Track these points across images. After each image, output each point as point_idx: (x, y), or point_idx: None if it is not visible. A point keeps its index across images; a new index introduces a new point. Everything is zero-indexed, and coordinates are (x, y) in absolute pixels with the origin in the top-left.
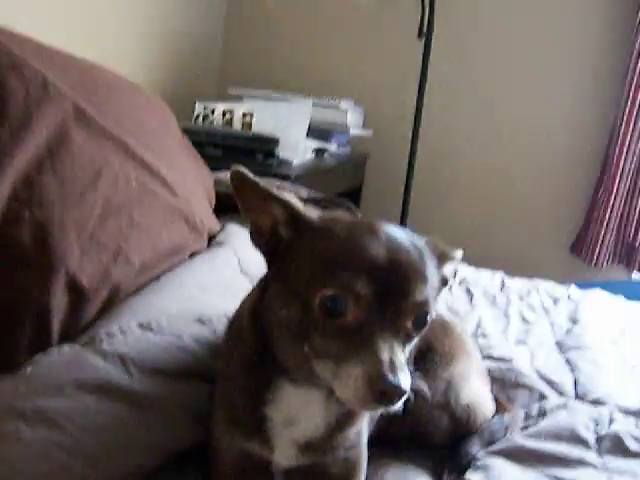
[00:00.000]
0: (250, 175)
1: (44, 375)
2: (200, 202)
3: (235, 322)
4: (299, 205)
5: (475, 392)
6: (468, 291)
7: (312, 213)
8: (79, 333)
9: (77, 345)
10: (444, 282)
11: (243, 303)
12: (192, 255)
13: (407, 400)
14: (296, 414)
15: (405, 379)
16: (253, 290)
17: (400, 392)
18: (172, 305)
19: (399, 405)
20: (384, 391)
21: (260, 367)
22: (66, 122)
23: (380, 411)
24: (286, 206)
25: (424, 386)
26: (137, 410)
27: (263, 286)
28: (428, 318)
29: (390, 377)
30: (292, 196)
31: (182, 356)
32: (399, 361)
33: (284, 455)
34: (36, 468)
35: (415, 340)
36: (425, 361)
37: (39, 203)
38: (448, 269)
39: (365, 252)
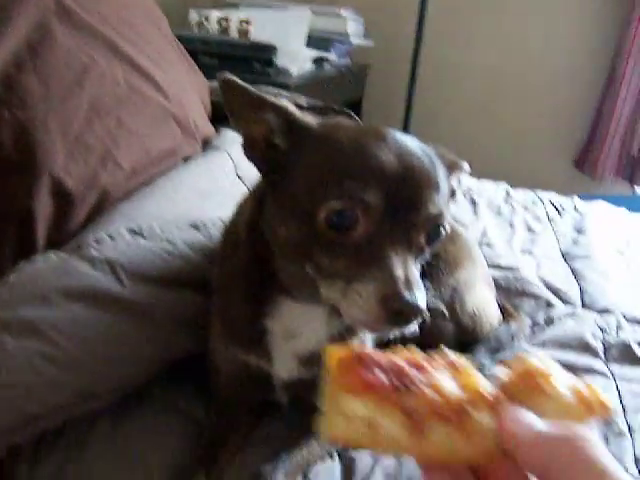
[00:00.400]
0: (240, 82)
1: (29, 283)
2: (194, 106)
3: (231, 232)
4: (295, 111)
5: (481, 299)
6: (473, 201)
7: (310, 119)
8: (66, 241)
9: (64, 252)
10: (452, 193)
11: (239, 210)
12: (186, 159)
13: (423, 321)
14: (297, 328)
15: (422, 297)
16: (248, 199)
17: (417, 311)
18: (165, 210)
19: (414, 326)
20: (400, 310)
21: (258, 282)
22: (47, 17)
23: (393, 333)
24: (281, 112)
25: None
26: (127, 319)
27: (260, 198)
28: (442, 231)
29: (406, 295)
30: (288, 102)
31: (175, 263)
32: (414, 277)
33: (284, 368)
34: (21, 380)
35: (427, 255)
36: (430, 267)
37: (20, 104)
38: (455, 179)
39: (374, 159)
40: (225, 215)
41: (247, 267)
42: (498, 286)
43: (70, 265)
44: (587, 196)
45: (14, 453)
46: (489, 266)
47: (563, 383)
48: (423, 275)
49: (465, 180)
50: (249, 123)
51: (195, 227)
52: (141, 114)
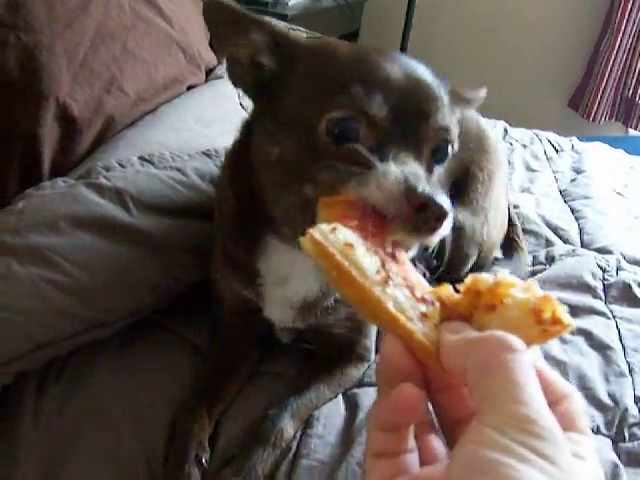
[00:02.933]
0: (224, 1)
1: (37, 210)
2: (197, 34)
3: (220, 176)
4: (282, 27)
5: (500, 224)
6: None
7: (299, 34)
8: (72, 167)
9: (71, 179)
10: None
11: (224, 161)
12: (190, 88)
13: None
14: (287, 274)
15: (447, 201)
16: (226, 154)
17: (443, 212)
18: (171, 138)
19: (441, 233)
20: (425, 203)
21: (246, 223)
22: None
23: (416, 242)
24: (266, 29)
25: (466, 220)
26: (135, 247)
27: (245, 131)
28: (449, 150)
29: (430, 191)
30: (273, 20)
31: (184, 191)
32: (433, 182)
33: (276, 315)
34: (29, 306)
35: (434, 176)
36: (467, 190)
37: (26, 27)
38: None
39: (378, 69)
40: (229, 142)
41: (235, 207)
42: None
43: (79, 193)
44: (583, 138)
45: (21, 381)
46: None
47: (513, 298)
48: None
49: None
50: (232, 44)
51: (207, 155)
52: (146, 41)
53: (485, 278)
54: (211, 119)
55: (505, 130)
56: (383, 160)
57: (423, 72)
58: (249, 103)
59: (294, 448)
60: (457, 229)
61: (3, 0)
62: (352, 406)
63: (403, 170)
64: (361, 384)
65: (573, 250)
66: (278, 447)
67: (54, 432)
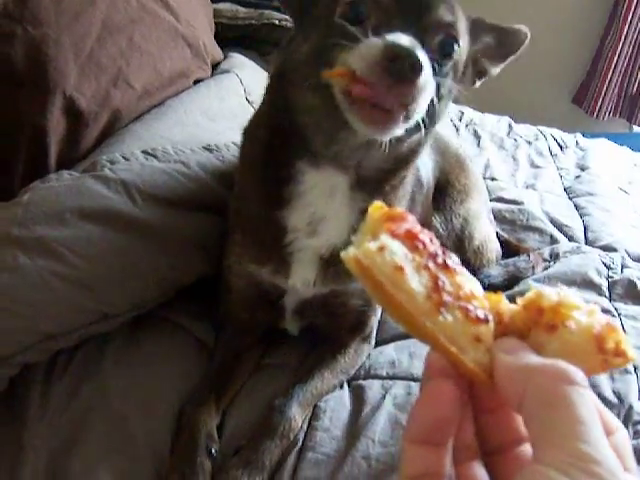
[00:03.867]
0: None
1: (43, 202)
2: (203, 28)
3: (250, 127)
4: None
5: (485, 233)
6: (475, 133)
7: None
8: (78, 161)
9: (77, 172)
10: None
11: (256, 110)
12: (196, 82)
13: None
14: (320, 211)
15: (424, 57)
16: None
17: (416, 61)
18: (177, 132)
19: (421, 87)
20: (399, 54)
21: (278, 159)
22: None
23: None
24: None
25: (440, 223)
26: (141, 240)
27: (282, 60)
28: (455, 47)
29: (408, 45)
30: None
31: (189, 185)
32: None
33: (301, 279)
34: (35, 298)
35: (438, 74)
36: (443, 195)
37: (33, 20)
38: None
39: None
40: (235, 136)
41: (267, 141)
42: (503, 219)
43: (84, 185)
44: (587, 134)
45: (27, 373)
46: (494, 199)
47: (577, 322)
48: (435, 202)
49: (467, 112)
50: None
51: (208, 149)
52: (152, 34)
53: (549, 295)
54: (217, 114)
55: (510, 126)
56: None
57: None
58: (255, 98)
59: (301, 441)
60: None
61: None
62: (358, 399)
63: (385, 37)
64: (367, 376)
65: (578, 247)
66: (286, 437)
67: (61, 424)
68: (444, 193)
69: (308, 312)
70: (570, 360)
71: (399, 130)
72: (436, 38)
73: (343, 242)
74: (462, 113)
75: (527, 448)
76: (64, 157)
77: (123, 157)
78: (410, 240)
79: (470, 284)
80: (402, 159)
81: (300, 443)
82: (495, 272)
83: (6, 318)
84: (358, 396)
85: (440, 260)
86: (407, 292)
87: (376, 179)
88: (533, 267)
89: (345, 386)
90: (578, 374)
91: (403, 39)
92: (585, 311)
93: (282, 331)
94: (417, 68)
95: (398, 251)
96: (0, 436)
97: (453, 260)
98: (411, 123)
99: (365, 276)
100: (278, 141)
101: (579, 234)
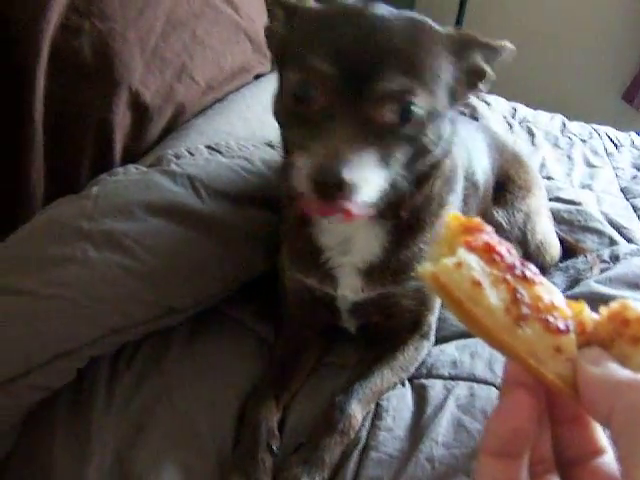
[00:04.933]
0: None
1: (111, 196)
2: (263, 22)
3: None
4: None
5: (546, 230)
6: (530, 131)
7: (311, 2)
8: (142, 155)
9: (143, 166)
10: (476, 74)
11: None
12: (257, 77)
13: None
14: (348, 233)
15: (352, 170)
16: None
17: (339, 183)
18: (239, 128)
19: (353, 200)
20: (322, 181)
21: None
22: None
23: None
24: (281, 3)
25: (502, 218)
26: (206, 235)
27: None
28: (414, 111)
29: (331, 166)
30: None
31: (253, 180)
32: (352, 151)
33: (349, 287)
34: (103, 292)
35: (403, 137)
36: (504, 191)
37: (100, 15)
38: (480, 58)
39: (333, 31)
40: None
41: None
42: (561, 219)
43: (152, 179)
44: (639, 131)
45: (93, 366)
46: (551, 199)
47: None
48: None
49: (519, 109)
50: (270, 19)
51: (270, 146)
52: (215, 29)
53: (634, 306)
54: None
55: (563, 124)
56: (325, 123)
57: (382, 30)
58: None
59: (363, 440)
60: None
61: None
62: (420, 399)
63: (320, 147)
64: (429, 375)
65: (638, 249)
66: (347, 435)
67: (127, 417)
68: (505, 189)
69: (363, 312)
70: None
71: (365, 210)
72: (387, 108)
73: (377, 258)
74: (515, 110)
75: (606, 461)
76: (129, 151)
77: (188, 152)
78: (487, 253)
79: (550, 294)
80: (420, 179)
81: (363, 442)
82: (559, 280)
83: (74, 311)
84: (421, 396)
85: (518, 272)
86: (485, 307)
87: (399, 202)
88: (591, 268)
89: (407, 385)
90: None
91: (329, 154)
92: None
93: (341, 329)
94: (344, 188)
95: (475, 266)
96: (67, 428)
97: (532, 270)
98: (373, 199)
99: (443, 292)
100: None
101: (638, 235)
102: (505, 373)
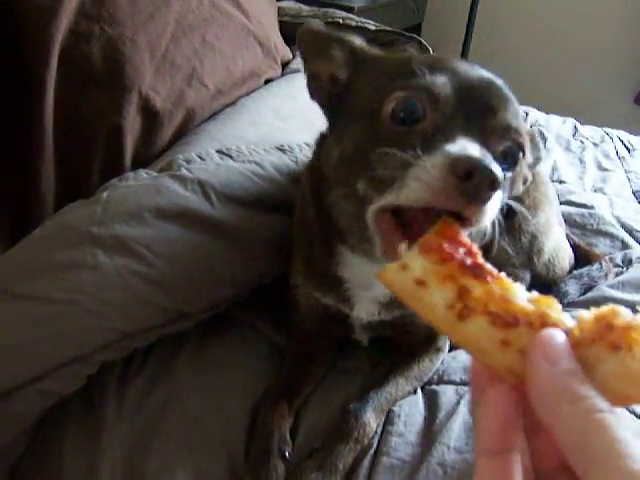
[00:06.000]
0: (315, 26)
1: (122, 201)
2: (273, 27)
3: (303, 181)
4: (362, 43)
5: (556, 245)
6: (541, 134)
7: (377, 51)
8: (153, 160)
9: (154, 171)
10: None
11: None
12: (267, 82)
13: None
14: (369, 280)
15: (498, 168)
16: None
17: (492, 176)
18: (250, 132)
19: (490, 208)
20: (471, 171)
21: (324, 234)
22: None
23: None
24: (346, 45)
25: (508, 245)
26: (217, 240)
27: (320, 144)
28: (520, 156)
29: (480, 158)
30: (354, 37)
31: (263, 185)
32: (490, 157)
33: (365, 311)
34: (113, 297)
35: (505, 180)
36: (512, 215)
37: (110, 20)
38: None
39: (446, 63)
40: (306, 136)
41: (314, 219)
42: (573, 222)
43: (162, 184)
44: None
45: (104, 372)
46: (563, 202)
47: None
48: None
49: (531, 112)
50: (316, 60)
51: (281, 150)
52: (225, 33)
53: (623, 314)
54: (288, 114)
55: (575, 127)
56: (437, 147)
57: (497, 79)
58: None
59: (375, 445)
60: (499, 253)
61: None
62: (432, 404)
63: (449, 150)
64: (440, 381)
65: None
66: (360, 442)
67: (138, 422)
68: (513, 211)
69: (376, 328)
70: (622, 385)
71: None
72: (501, 145)
73: None
74: (527, 114)
75: None
76: (139, 155)
77: (199, 157)
78: (438, 254)
79: (503, 290)
80: None
81: (375, 447)
82: (572, 289)
83: (85, 316)
84: (432, 401)
85: (469, 269)
86: (427, 304)
87: None
88: (606, 275)
89: (419, 391)
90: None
91: (472, 149)
92: None
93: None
94: (495, 186)
95: (418, 267)
96: (78, 433)
97: (484, 269)
98: (483, 228)
99: (392, 290)
100: (322, 225)
101: None
102: (471, 376)
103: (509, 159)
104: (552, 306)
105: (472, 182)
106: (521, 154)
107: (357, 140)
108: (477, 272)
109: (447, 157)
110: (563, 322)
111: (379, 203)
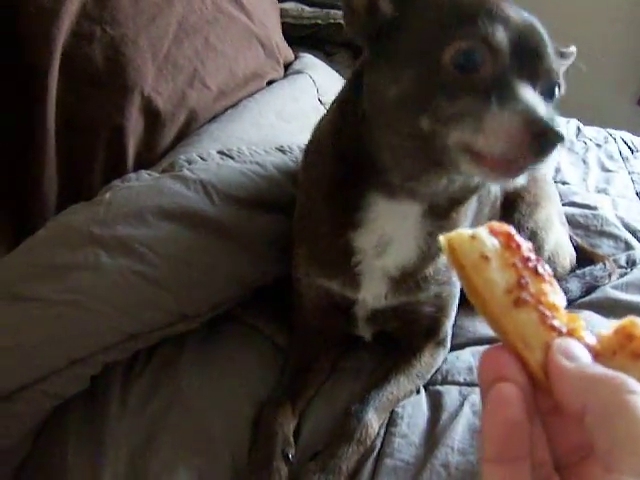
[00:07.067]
0: None
1: (124, 201)
2: (276, 28)
3: (312, 148)
4: None
5: (557, 241)
6: None
7: None
8: (155, 161)
9: (156, 172)
10: None
11: (316, 129)
12: (269, 83)
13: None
14: (389, 235)
15: (564, 125)
16: (327, 113)
17: (560, 135)
18: (252, 133)
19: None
20: (544, 132)
21: (348, 188)
22: None
23: (531, 167)
24: None
25: None
26: (219, 240)
27: (352, 86)
28: (556, 92)
29: (550, 119)
30: None
31: (265, 185)
32: (551, 110)
33: (372, 294)
34: (116, 298)
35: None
36: (512, 211)
37: (111, 21)
38: None
39: (499, 7)
40: (308, 137)
41: (334, 168)
42: (576, 223)
43: (164, 185)
44: None
45: (107, 372)
46: (566, 204)
47: None
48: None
49: None
50: None
51: (282, 151)
52: (227, 35)
53: None
54: (291, 115)
55: (578, 128)
56: (502, 92)
57: (535, 19)
58: (328, 100)
59: (378, 446)
60: None
61: None
62: (436, 405)
63: (522, 102)
64: (444, 381)
65: None
66: (363, 444)
67: (141, 423)
68: (513, 208)
69: (380, 320)
70: None
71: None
72: (545, 85)
73: (412, 263)
74: None
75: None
76: (141, 157)
77: (200, 157)
78: (506, 239)
79: (555, 296)
80: (473, 189)
81: (378, 449)
82: (574, 287)
83: (88, 318)
84: (436, 402)
85: (531, 264)
86: (486, 279)
87: (448, 206)
88: (609, 275)
89: (422, 391)
90: (636, 384)
91: (540, 105)
92: None
93: (357, 337)
94: (562, 143)
95: (488, 244)
96: (82, 434)
97: (545, 270)
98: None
99: (452, 257)
100: (346, 171)
101: None
102: (482, 374)
103: (548, 95)
104: (577, 322)
105: (544, 139)
106: (557, 89)
107: (416, 82)
108: (538, 270)
109: (524, 113)
110: (585, 339)
111: (461, 140)
